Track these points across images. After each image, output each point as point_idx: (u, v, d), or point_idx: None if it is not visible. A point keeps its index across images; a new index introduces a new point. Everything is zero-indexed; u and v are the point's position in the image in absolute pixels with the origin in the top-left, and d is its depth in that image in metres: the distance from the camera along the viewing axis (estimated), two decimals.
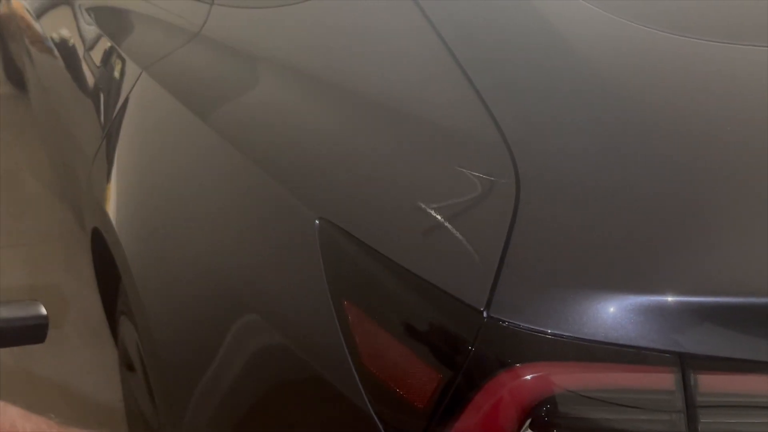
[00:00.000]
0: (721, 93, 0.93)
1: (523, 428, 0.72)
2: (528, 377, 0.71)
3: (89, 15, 1.89)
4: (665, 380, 0.71)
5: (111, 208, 1.37)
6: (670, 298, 0.71)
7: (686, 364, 0.70)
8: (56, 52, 2.14)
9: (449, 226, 0.80)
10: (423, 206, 0.83)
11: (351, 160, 0.96)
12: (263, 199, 1.02)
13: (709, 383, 0.71)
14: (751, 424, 0.72)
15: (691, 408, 0.70)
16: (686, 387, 0.70)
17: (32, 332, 0.90)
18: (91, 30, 1.85)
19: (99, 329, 2.12)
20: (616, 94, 0.91)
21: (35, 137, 2.85)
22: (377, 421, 0.80)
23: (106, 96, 1.58)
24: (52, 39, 2.19)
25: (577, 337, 0.71)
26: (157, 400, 1.26)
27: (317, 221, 0.90)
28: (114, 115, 1.47)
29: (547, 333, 0.72)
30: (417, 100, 0.98)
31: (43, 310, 0.90)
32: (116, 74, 1.55)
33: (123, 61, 1.54)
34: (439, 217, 0.81)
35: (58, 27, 2.14)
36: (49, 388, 2.02)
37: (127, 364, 1.53)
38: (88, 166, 1.58)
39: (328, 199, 0.93)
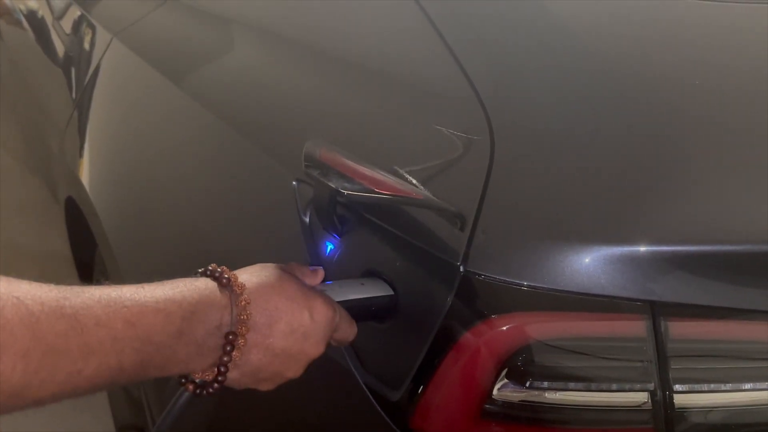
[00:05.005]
0: (691, 43, 0.94)
1: (500, 377, 0.73)
2: (504, 328, 0.73)
3: None
4: (637, 328, 0.72)
5: (85, 177, 1.36)
6: (641, 248, 0.72)
7: (657, 311, 0.72)
8: (25, 24, 2.12)
9: (425, 183, 0.80)
10: (399, 163, 0.83)
11: (327, 120, 0.96)
12: (240, 161, 1.02)
13: (679, 330, 0.73)
14: (720, 369, 0.74)
15: (661, 354, 0.72)
16: (657, 334, 0.72)
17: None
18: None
19: None
20: (588, 46, 0.92)
21: (6, 111, 2.81)
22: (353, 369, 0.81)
23: (76, 64, 1.56)
24: (20, 11, 2.16)
25: (551, 288, 0.72)
26: None
27: (294, 182, 0.90)
28: (85, 82, 1.45)
29: (522, 285, 0.73)
30: (390, 59, 0.98)
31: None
32: (86, 42, 1.53)
33: (93, 28, 1.52)
34: (414, 173, 0.82)
35: None
36: None
37: None
38: (60, 135, 1.57)
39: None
